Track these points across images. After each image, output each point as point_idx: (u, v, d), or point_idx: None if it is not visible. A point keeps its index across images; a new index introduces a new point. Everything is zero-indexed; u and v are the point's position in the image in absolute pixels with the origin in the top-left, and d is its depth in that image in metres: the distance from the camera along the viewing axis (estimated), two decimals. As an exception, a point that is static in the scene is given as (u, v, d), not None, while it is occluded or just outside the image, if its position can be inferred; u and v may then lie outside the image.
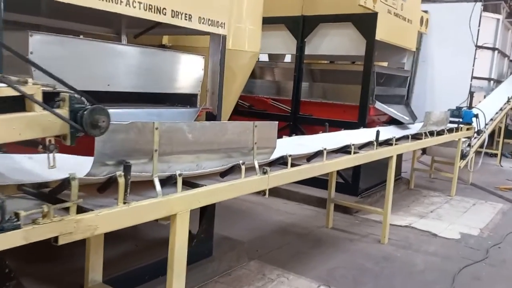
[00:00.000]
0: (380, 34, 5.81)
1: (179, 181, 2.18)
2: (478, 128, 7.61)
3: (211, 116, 3.45)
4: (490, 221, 5.86)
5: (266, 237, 4.76)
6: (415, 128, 6.11)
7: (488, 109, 9.60)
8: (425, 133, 5.54)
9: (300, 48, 6.41)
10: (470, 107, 10.71)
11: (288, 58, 8.01)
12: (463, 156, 7.39)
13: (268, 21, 6.65)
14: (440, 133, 6.18)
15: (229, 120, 5.26)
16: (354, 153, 3.94)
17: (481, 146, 7.96)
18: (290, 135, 4.48)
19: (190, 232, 3.75)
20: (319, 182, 5.44)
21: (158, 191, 2.09)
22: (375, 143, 4.30)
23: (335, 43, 6.26)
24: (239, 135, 2.62)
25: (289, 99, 6.62)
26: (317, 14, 6.21)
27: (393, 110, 6.13)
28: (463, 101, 11.94)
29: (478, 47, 12.00)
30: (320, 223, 5.25)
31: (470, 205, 6.65)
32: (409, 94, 7.11)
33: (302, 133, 6.05)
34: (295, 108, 6.54)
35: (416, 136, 5.47)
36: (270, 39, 6.88)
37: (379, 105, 6.05)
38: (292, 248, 4.45)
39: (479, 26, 11.96)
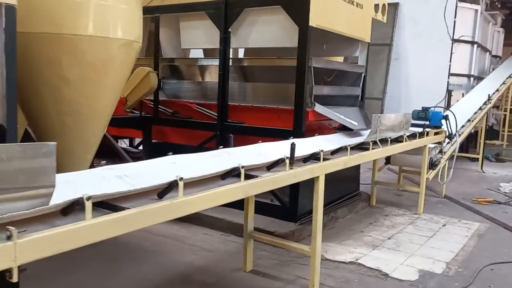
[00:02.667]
0: (316, 20, 4.63)
1: None
2: (450, 132, 6.45)
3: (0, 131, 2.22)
4: (460, 249, 4.67)
5: (153, 291, 3.52)
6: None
7: (466, 109, 8.51)
8: (374, 141, 4.36)
9: (225, 40, 5.20)
10: (447, 107, 9.60)
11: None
12: (433, 165, 6.23)
13: (187, 9, 5.48)
14: (399, 139, 5.02)
15: (106, 135, 4.04)
16: (248, 177, 2.74)
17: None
18: (217, 149, 3.29)
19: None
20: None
21: None
22: (287, 161, 3.09)
23: (265, 32, 5.06)
24: None
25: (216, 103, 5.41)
26: (241, -2, 5.02)
27: (337, 114, 4.93)
28: (441, 100, 10.87)
29: (454, 40, 10.92)
30: (239, 264, 4.03)
31: (439, 226, 5.46)
32: (364, 94, 5.91)
33: (231, 146, 4.83)
34: (222, 115, 5.32)
35: (362, 146, 4.29)
36: (191, 31, 5.69)
37: (319, 108, 4.86)
38: (179, 310, 3.22)
39: (455, 17, 10.90)
